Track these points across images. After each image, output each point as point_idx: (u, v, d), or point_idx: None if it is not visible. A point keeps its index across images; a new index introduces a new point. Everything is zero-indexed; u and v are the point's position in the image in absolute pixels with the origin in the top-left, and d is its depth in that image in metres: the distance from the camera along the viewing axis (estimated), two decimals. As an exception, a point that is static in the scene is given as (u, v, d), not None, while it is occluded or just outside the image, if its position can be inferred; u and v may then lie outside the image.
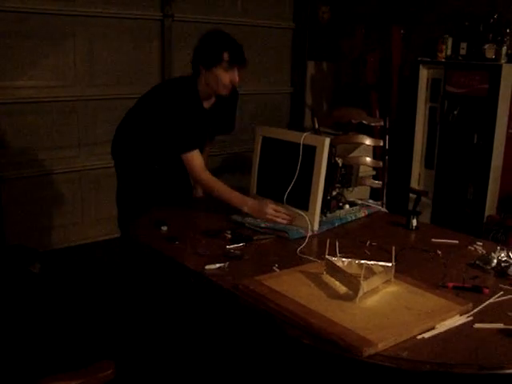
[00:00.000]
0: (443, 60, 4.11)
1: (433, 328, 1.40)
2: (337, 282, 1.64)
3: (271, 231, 2.12)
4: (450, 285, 1.67)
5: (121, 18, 3.90)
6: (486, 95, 3.77)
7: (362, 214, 2.41)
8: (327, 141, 2.10)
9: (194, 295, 2.07)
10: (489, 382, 1.29)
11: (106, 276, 3.46)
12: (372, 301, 1.54)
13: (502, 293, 1.63)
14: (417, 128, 4.35)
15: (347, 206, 2.37)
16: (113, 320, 2.88)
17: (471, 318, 1.47)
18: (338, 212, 2.32)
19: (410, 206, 3.65)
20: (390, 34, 4.49)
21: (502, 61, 3.76)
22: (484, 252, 1.94)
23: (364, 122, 3.01)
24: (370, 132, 3.28)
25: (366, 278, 1.56)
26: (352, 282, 1.57)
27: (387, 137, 2.96)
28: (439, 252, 1.96)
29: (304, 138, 2.16)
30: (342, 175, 2.32)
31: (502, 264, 1.79)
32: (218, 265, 1.79)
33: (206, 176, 2.35)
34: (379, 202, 2.81)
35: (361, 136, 2.96)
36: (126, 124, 2.62)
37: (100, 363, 1.35)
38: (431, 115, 4.28)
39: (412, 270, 1.77)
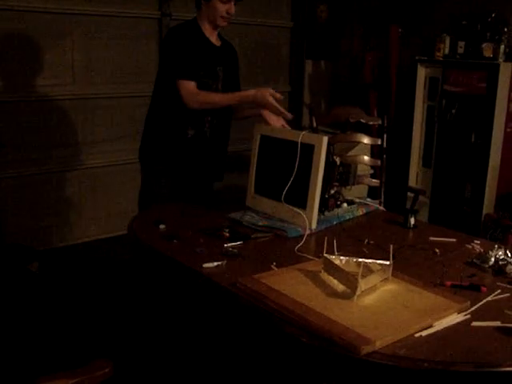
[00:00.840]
0: (441, 59, 4.12)
1: (430, 326, 1.41)
2: (335, 281, 1.64)
3: (269, 229, 2.12)
4: (448, 283, 1.67)
5: (119, 17, 3.90)
6: (484, 94, 3.77)
7: (360, 212, 2.41)
8: (325, 139, 2.10)
9: (192, 293, 2.07)
10: (486, 379, 1.29)
11: (105, 274, 3.46)
12: (370, 299, 1.54)
13: (499, 291, 1.63)
14: (415, 127, 4.35)
15: (345, 205, 2.37)
16: (111, 318, 2.88)
17: (469, 316, 1.48)
18: (335, 210, 2.32)
19: (408, 205, 3.67)
20: (388, 32, 4.49)
21: (500, 59, 3.77)
22: (482, 250, 1.94)
23: (362, 120, 3.00)
24: (367, 131, 3.28)
25: (363, 276, 1.56)
26: (350, 280, 1.57)
27: (385, 135, 2.96)
28: (437, 250, 1.96)
29: (302, 136, 2.16)
30: (340, 174, 2.32)
31: (500, 262, 1.79)
32: (215, 263, 1.79)
33: (201, 93, 2.44)
34: (377, 201, 2.81)
35: (359, 135, 2.96)
36: (152, 101, 2.64)
37: (98, 362, 1.35)
38: (429, 114, 4.28)
39: (410, 269, 1.77)
